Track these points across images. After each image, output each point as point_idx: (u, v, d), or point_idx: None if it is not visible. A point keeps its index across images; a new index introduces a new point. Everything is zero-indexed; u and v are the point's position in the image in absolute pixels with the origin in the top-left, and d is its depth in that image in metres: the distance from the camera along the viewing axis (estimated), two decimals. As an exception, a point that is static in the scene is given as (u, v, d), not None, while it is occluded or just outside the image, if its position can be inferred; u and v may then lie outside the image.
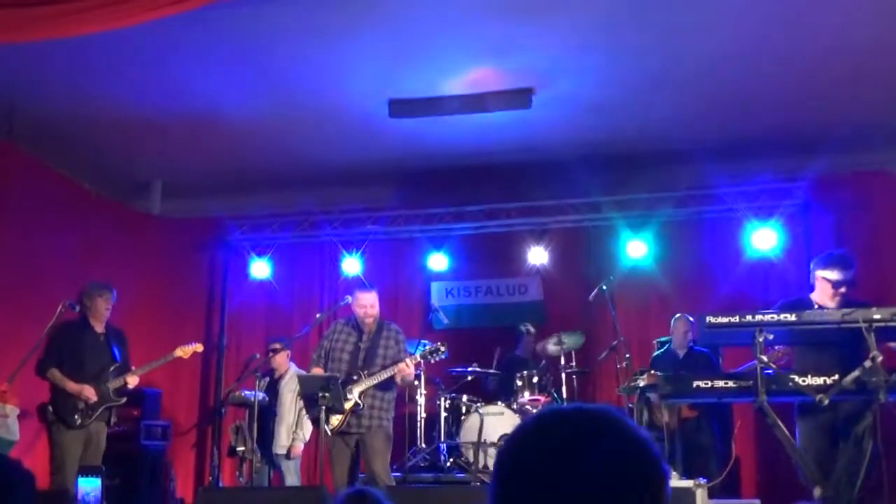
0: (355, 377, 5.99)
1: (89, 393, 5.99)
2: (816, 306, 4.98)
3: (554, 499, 1.02)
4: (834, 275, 4.98)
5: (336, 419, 5.90)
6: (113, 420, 6.18)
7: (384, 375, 5.95)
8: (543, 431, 1.09)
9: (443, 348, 6.26)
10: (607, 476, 1.02)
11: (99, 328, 6.28)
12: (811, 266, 5.24)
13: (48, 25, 5.18)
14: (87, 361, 6.15)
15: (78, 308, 6.36)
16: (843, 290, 4.95)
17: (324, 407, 5.73)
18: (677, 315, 7.48)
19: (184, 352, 6.43)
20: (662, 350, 7.59)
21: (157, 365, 6.30)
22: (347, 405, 5.90)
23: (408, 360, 5.98)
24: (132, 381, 6.17)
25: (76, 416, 6.00)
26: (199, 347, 6.60)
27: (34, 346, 6.35)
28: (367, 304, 6.16)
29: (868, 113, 7.66)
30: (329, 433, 5.89)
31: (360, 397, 5.93)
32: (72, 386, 6.03)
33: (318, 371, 6.16)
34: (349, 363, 6.09)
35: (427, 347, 6.31)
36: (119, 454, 6.81)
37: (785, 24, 6.25)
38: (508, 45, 6.56)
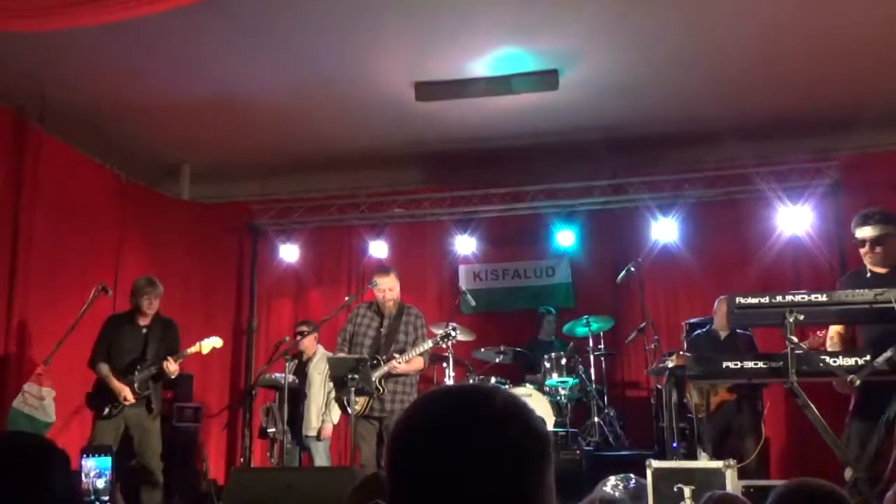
0: (375, 362, 6.02)
1: (127, 394, 6.18)
2: (868, 273, 4.81)
3: (439, 467, 1.11)
4: (858, 233, 4.84)
5: (359, 404, 5.94)
6: (155, 408, 6.30)
7: (401, 361, 5.98)
8: (429, 406, 1.19)
9: (453, 332, 6.24)
10: (489, 441, 1.12)
11: (143, 321, 6.41)
12: None
13: (77, 13, 5.22)
14: (124, 355, 6.32)
15: (111, 292, 6.47)
16: (868, 247, 4.76)
17: (352, 389, 5.79)
18: (722, 296, 7.30)
19: (200, 347, 6.53)
20: (703, 331, 7.48)
21: (178, 358, 6.37)
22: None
23: (399, 359, 5.97)
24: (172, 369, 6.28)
25: (105, 409, 6.20)
26: (219, 343, 6.67)
27: (69, 329, 6.46)
28: (386, 287, 6.19)
29: (900, 90, 7.54)
30: (353, 418, 5.95)
31: (381, 381, 5.97)
32: (115, 384, 6.20)
33: (341, 356, 6.20)
34: (371, 347, 6.13)
35: (438, 334, 6.26)
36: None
37: (813, 1, 6.16)
38: (534, 27, 6.52)
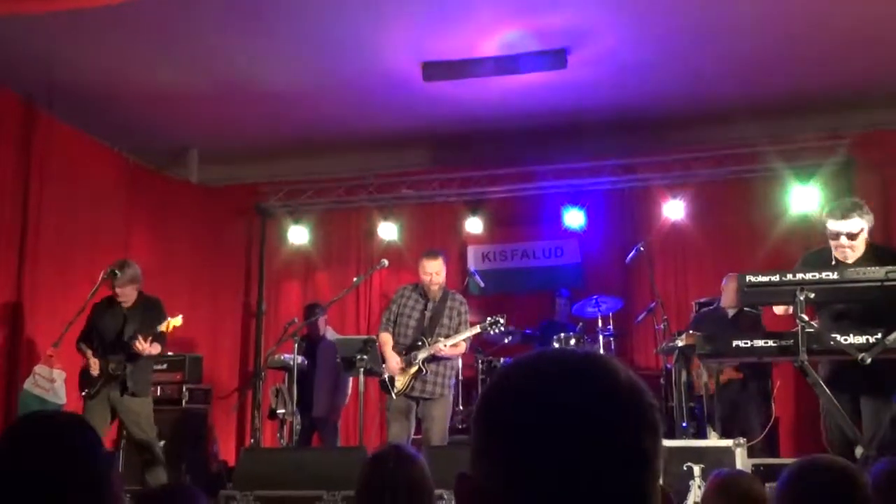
0: (420, 343, 6.11)
1: (92, 364, 6.21)
2: (834, 260, 4.74)
3: (550, 439, 1.02)
4: (831, 225, 4.72)
5: (400, 382, 6.05)
6: (130, 387, 6.24)
7: (447, 344, 6.08)
8: (547, 375, 1.07)
9: (502, 320, 6.30)
10: (619, 411, 1.04)
11: (126, 303, 6.38)
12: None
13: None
14: (104, 337, 6.33)
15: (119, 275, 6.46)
16: (841, 241, 4.66)
17: (362, 369, 5.84)
18: (730, 274, 7.27)
19: (168, 325, 6.45)
20: (709, 309, 7.44)
21: (147, 336, 6.33)
22: (412, 370, 6.05)
23: (443, 341, 6.06)
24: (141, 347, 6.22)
25: (85, 389, 6.24)
26: (178, 321, 6.48)
27: (77, 312, 6.49)
28: (433, 271, 6.21)
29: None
30: (394, 396, 6.07)
31: (424, 363, 6.06)
32: (87, 356, 6.25)
33: (386, 335, 6.25)
34: (416, 329, 6.20)
35: (487, 320, 6.33)
36: (162, 417, 6.95)
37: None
38: (542, 5, 6.47)
